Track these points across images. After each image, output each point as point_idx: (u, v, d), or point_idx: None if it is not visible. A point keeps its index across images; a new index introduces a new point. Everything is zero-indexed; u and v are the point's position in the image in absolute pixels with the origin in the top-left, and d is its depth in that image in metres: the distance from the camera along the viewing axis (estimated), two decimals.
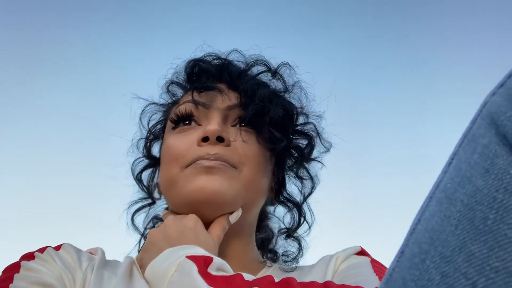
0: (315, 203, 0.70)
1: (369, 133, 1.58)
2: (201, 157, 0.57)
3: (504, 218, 0.23)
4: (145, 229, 0.70)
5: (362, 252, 0.62)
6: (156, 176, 0.70)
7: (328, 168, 0.70)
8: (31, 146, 1.48)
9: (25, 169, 1.46)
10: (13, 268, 0.51)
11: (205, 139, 0.58)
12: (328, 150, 0.68)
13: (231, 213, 0.59)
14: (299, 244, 0.68)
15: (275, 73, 0.67)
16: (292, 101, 0.67)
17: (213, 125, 0.59)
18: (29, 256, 0.54)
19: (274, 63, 0.68)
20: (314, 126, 0.67)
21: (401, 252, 0.28)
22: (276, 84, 0.68)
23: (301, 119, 0.67)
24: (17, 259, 0.54)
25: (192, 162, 0.58)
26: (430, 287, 0.25)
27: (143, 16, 1.67)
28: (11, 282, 0.49)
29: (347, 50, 1.74)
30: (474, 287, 0.23)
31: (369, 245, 0.64)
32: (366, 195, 1.50)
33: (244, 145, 0.60)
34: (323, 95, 0.69)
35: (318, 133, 0.67)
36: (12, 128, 1.49)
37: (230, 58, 0.67)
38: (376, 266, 0.58)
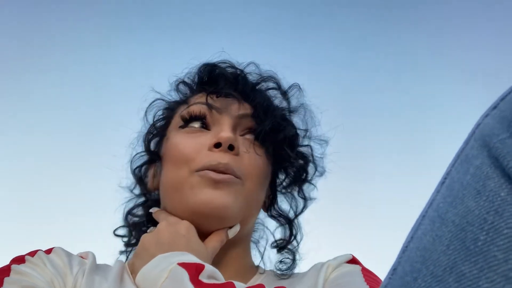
0: (312, 210, 0.71)
1: (366, 144, 1.59)
2: (212, 165, 0.57)
3: (494, 239, 0.24)
4: (135, 225, 0.69)
5: (353, 260, 0.62)
6: (149, 171, 0.70)
7: (326, 177, 0.71)
8: (28, 144, 1.46)
9: (22, 169, 1.44)
10: (3, 272, 0.51)
11: (218, 145, 0.58)
12: (321, 175, 0.69)
13: (230, 227, 0.60)
14: (293, 257, 0.68)
15: (284, 93, 0.68)
16: (295, 121, 0.69)
17: (226, 132, 0.59)
18: (19, 260, 0.53)
19: (285, 83, 0.70)
20: (311, 149, 0.68)
21: (394, 270, 0.29)
22: (282, 102, 0.69)
23: (301, 141, 0.68)
24: (7, 262, 0.53)
25: (202, 167, 0.57)
26: None
27: (164, 17, 1.66)
28: (1, 285, 0.48)
29: (347, 52, 1.75)
30: None
31: (366, 252, 0.64)
32: (365, 201, 1.51)
33: (252, 157, 0.60)
34: (321, 102, 0.70)
35: (313, 157, 0.68)
36: (11, 123, 1.47)
37: (245, 69, 0.68)
38: (367, 275, 0.58)
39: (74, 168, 1.36)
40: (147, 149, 0.68)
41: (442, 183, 0.29)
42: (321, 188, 0.71)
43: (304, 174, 0.67)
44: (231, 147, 0.58)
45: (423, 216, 0.29)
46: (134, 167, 0.69)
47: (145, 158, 0.69)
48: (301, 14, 1.74)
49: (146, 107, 0.71)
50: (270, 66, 0.70)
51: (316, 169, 0.68)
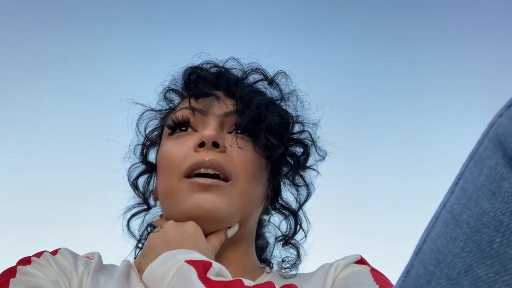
0: (311, 211, 0.70)
1: (367, 138, 1.59)
2: (197, 164, 0.57)
3: (510, 242, 0.23)
4: (141, 236, 0.69)
5: (361, 261, 0.61)
6: (151, 182, 0.70)
7: (327, 174, 0.70)
8: (27, 148, 1.47)
9: (22, 171, 1.44)
10: (9, 273, 0.51)
11: (201, 145, 0.58)
12: (323, 158, 0.68)
13: (230, 227, 0.59)
14: (297, 251, 0.68)
15: (271, 81, 0.68)
16: (288, 109, 0.68)
17: (209, 130, 0.59)
18: (25, 261, 0.53)
19: (270, 71, 0.69)
20: (310, 134, 0.67)
21: (407, 272, 0.28)
22: (272, 93, 0.68)
23: (296, 128, 0.68)
24: (13, 264, 0.53)
25: (189, 170, 0.57)
26: None
27: (143, 21, 1.66)
28: (7, 286, 0.48)
29: (344, 52, 1.74)
30: None
31: (369, 252, 0.64)
32: (365, 201, 1.50)
33: (239, 152, 0.60)
34: (319, 102, 0.69)
35: (313, 142, 0.67)
36: (7, 131, 1.47)
37: (227, 66, 0.68)
38: (376, 275, 0.58)
39: (80, 168, 1.36)
40: (141, 161, 0.69)
41: (455, 183, 0.29)
42: (322, 188, 0.70)
43: (300, 160, 0.66)
44: (215, 145, 0.58)
45: (436, 217, 0.29)
46: (132, 179, 0.70)
47: (140, 169, 0.70)
48: (298, 10, 1.73)
49: (142, 119, 0.71)
50: (271, 64, 0.69)
51: (308, 154, 0.67)
